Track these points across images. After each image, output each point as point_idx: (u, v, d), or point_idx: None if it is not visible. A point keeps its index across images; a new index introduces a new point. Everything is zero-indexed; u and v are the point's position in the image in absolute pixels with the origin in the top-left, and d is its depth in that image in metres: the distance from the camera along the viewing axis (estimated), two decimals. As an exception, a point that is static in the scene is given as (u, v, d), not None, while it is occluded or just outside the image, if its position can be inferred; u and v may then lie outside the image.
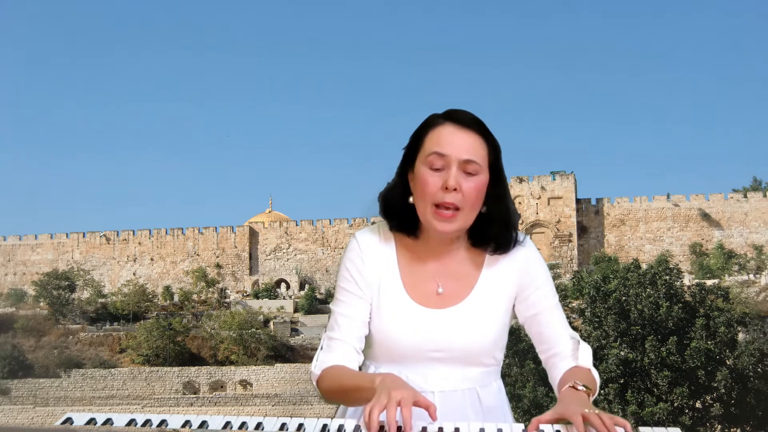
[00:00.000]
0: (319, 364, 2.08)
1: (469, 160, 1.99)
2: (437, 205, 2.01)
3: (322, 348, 2.12)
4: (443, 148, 2.00)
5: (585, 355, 2.10)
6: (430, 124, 2.06)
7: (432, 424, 1.86)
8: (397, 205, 2.11)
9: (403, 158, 2.10)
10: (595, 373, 2.08)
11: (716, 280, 48.08)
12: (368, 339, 2.16)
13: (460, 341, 2.08)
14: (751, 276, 65.46)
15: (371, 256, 2.14)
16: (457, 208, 2.00)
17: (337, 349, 2.09)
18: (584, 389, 1.94)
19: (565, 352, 2.11)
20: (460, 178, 1.99)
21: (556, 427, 1.82)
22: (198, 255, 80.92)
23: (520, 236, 2.15)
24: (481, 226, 2.09)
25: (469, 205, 2.01)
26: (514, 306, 2.17)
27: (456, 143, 2.01)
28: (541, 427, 1.81)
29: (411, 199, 2.07)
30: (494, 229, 2.09)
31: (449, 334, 2.08)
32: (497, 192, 2.06)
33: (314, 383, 2.09)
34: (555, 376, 2.10)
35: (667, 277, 29.04)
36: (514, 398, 24.81)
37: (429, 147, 2.02)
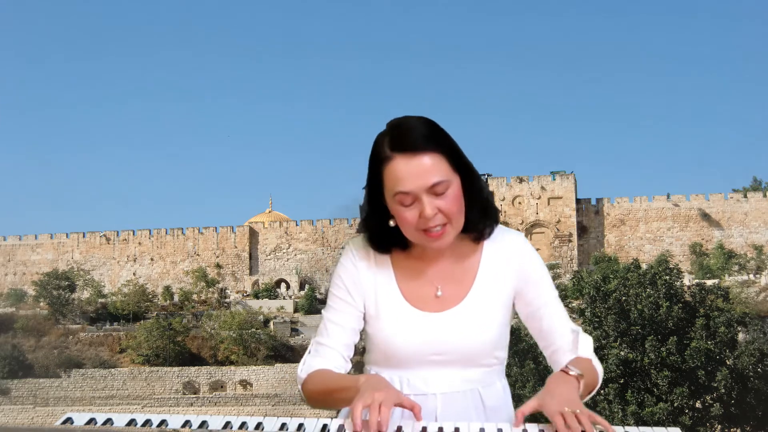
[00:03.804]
0: (306, 368, 2.08)
1: (435, 183, 1.94)
2: (425, 231, 1.98)
3: (309, 352, 2.12)
4: (405, 186, 1.94)
5: (585, 345, 2.09)
6: (381, 159, 1.97)
7: (432, 424, 1.86)
8: (378, 230, 2.08)
9: (369, 192, 2.05)
10: (597, 364, 2.06)
11: (716, 280, 48.05)
12: (369, 344, 2.16)
13: (459, 344, 2.07)
14: (751, 276, 65.46)
15: (365, 263, 2.13)
16: (444, 224, 1.98)
17: (325, 354, 2.09)
18: (575, 374, 1.92)
19: (566, 346, 2.09)
20: (434, 201, 1.95)
21: (540, 426, 1.82)
22: (198, 255, 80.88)
23: (503, 229, 2.15)
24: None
25: (453, 216, 1.98)
26: (514, 304, 2.15)
27: (414, 174, 1.93)
28: (526, 427, 1.82)
29: (391, 223, 2.03)
30: (473, 216, 2.06)
31: (448, 337, 2.07)
32: (468, 186, 2.02)
33: (299, 387, 2.09)
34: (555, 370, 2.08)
35: (667, 277, 29.00)
36: (514, 398, 24.50)
37: (391, 187, 1.97)
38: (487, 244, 2.13)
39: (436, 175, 1.94)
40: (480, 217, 2.07)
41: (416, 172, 1.93)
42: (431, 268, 2.12)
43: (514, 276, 2.12)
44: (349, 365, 2.12)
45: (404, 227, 2.01)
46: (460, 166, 2.00)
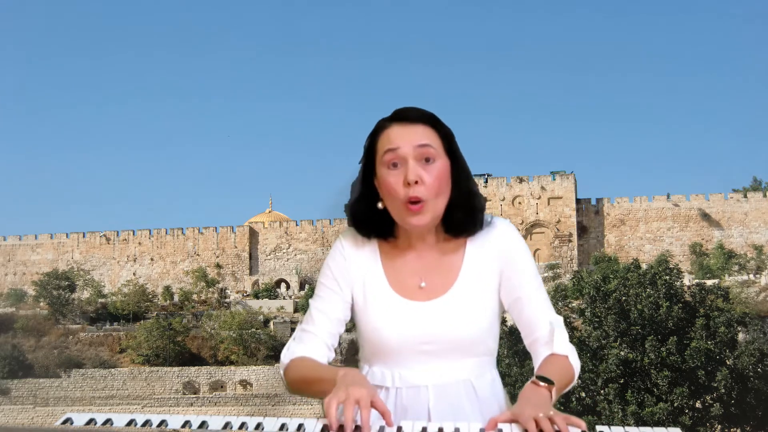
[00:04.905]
0: (289, 353, 2.10)
1: (422, 144, 2.02)
2: (406, 201, 2.02)
3: (294, 338, 2.14)
4: (394, 143, 2.03)
5: (560, 340, 2.07)
6: (379, 128, 2.09)
7: (432, 424, 1.84)
8: (366, 214, 2.12)
9: (363, 168, 2.12)
10: (574, 359, 2.06)
11: (716, 280, 48.06)
12: (360, 339, 2.16)
13: (447, 332, 2.07)
14: (751, 276, 65.44)
15: (354, 255, 2.16)
16: (424, 200, 2.02)
17: (308, 341, 2.11)
18: (546, 385, 1.92)
19: (544, 338, 2.10)
20: (419, 169, 2.01)
21: (515, 427, 1.81)
22: (198, 255, 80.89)
23: (488, 217, 2.15)
24: (447, 213, 2.09)
25: (433, 194, 2.02)
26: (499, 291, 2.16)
27: (405, 134, 2.04)
28: (500, 426, 1.81)
29: (380, 205, 2.08)
30: (457, 213, 2.09)
31: (436, 326, 2.07)
32: (456, 177, 2.07)
33: (281, 372, 2.09)
34: (535, 365, 2.09)
35: (667, 277, 29.04)
36: (514, 398, 24.64)
37: (381, 147, 2.06)
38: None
39: (426, 139, 2.04)
40: (464, 214, 2.09)
41: (408, 133, 2.04)
42: (417, 260, 2.13)
43: (499, 263, 2.13)
44: (332, 354, 2.13)
45: (388, 197, 2.04)
46: (451, 153, 2.07)
